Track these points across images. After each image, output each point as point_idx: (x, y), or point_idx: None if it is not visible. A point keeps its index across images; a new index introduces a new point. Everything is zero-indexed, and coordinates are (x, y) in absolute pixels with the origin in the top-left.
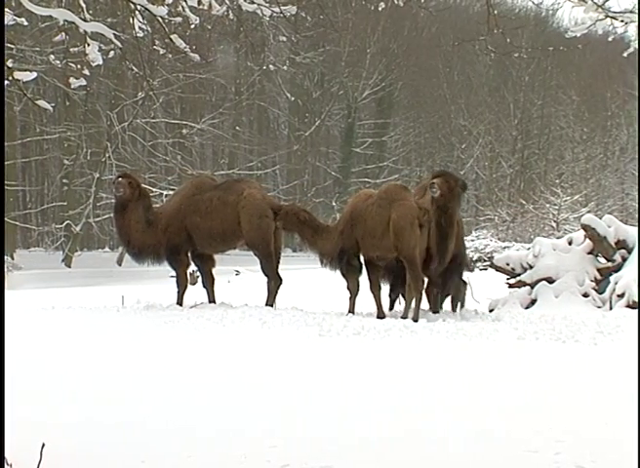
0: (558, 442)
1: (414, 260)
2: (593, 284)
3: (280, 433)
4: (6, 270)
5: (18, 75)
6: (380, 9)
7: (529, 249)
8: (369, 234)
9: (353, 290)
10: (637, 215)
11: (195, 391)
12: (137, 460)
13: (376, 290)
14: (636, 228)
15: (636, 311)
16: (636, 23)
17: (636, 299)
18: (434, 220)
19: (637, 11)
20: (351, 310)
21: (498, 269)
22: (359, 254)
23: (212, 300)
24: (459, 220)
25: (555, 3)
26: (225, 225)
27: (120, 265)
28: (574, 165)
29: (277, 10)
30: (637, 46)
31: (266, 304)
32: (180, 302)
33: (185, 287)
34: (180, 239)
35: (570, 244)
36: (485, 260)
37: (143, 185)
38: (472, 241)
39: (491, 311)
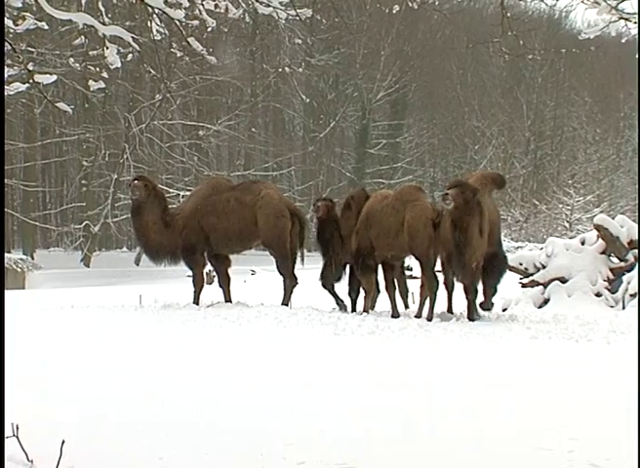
0: (572, 440)
1: (427, 261)
2: (606, 283)
3: (296, 431)
4: (26, 270)
5: (38, 78)
6: (394, 12)
7: (542, 249)
8: (384, 234)
9: (368, 289)
10: (637, 216)
11: (212, 389)
12: (154, 457)
13: (391, 289)
14: None
15: None
16: None
17: None
18: (450, 234)
19: (637, 12)
20: (366, 309)
21: (511, 269)
22: (375, 254)
23: (228, 300)
24: (495, 218)
25: (568, 5)
26: (242, 225)
27: (138, 265)
28: (586, 165)
29: (293, 13)
30: (637, 47)
31: (282, 304)
32: (196, 302)
33: (202, 286)
34: (197, 239)
35: (583, 244)
36: None
37: (159, 186)
38: None
39: (504, 310)
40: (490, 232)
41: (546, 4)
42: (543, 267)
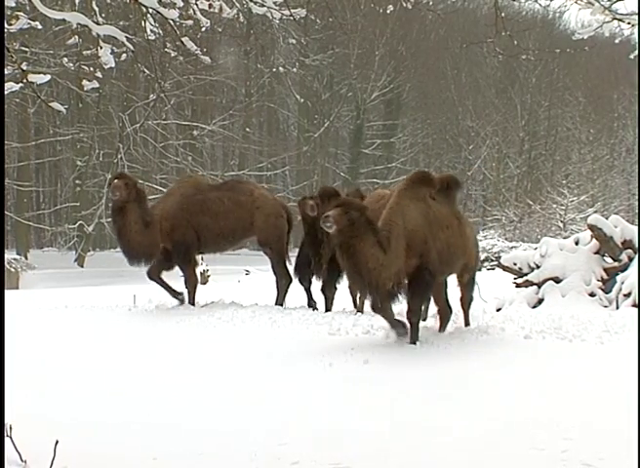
0: (565, 439)
1: None
2: (600, 283)
3: (290, 431)
4: (20, 270)
5: (32, 78)
6: (388, 12)
7: (536, 249)
8: None
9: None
10: (637, 216)
11: (206, 389)
12: (148, 458)
13: None
14: None
15: None
16: None
17: None
18: (340, 261)
19: (638, 12)
20: (360, 309)
21: (505, 269)
22: None
23: (191, 302)
24: (418, 228)
25: (562, 5)
26: (238, 225)
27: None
28: (580, 165)
29: (287, 13)
30: (637, 46)
31: (276, 303)
32: (192, 302)
33: (196, 285)
34: (192, 239)
35: (576, 244)
36: (492, 260)
37: (139, 183)
38: (480, 241)
39: (498, 310)
40: (411, 243)
41: (540, 4)
42: (537, 267)
